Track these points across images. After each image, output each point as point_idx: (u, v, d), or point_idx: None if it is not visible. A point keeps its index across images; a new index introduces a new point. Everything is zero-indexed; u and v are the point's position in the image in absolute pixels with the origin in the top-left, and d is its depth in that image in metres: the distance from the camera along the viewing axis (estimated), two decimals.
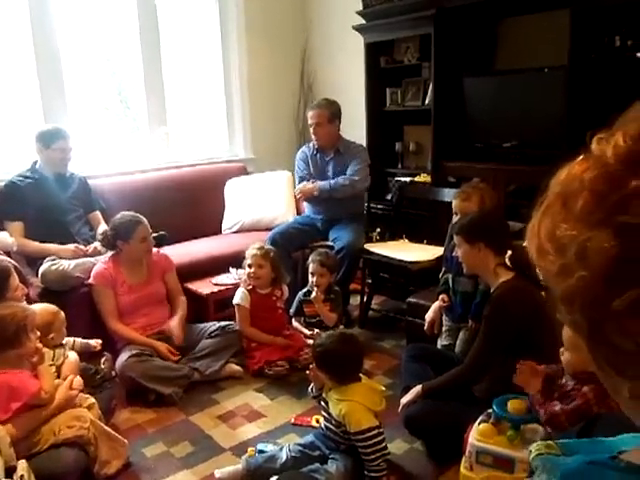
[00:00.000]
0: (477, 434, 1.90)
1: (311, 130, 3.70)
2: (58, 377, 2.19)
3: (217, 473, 2.12)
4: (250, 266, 3.05)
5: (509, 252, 2.19)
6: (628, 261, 0.46)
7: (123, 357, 2.71)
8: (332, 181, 3.61)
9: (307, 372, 2.25)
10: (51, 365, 2.21)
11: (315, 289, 3.07)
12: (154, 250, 3.07)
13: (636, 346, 0.47)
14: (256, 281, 3.06)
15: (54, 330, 2.31)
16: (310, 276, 3.11)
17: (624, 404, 0.54)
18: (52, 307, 2.39)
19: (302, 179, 3.77)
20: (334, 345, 2.10)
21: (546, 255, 0.52)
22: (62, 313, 2.39)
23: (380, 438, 2.04)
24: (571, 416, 1.75)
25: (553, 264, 0.51)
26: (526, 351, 2.02)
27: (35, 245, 3.08)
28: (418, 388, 2.22)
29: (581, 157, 0.52)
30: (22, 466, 1.78)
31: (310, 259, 3.14)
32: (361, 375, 2.18)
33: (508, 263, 2.18)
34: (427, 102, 3.82)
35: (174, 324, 2.93)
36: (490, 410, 1.93)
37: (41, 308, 2.33)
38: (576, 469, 0.54)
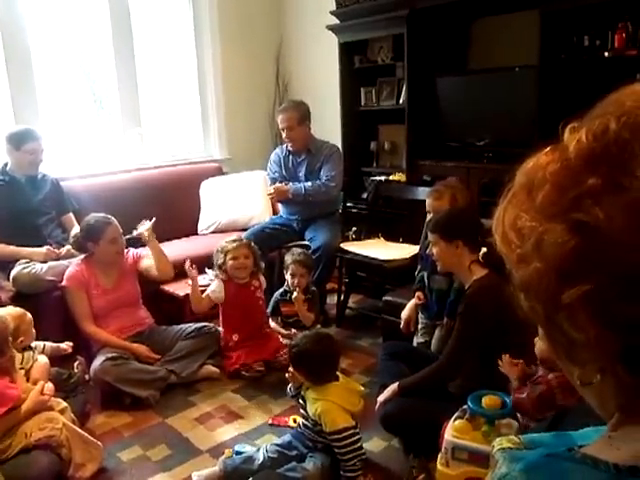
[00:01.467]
0: (453, 430, 1.91)
1: (283, 134, 3.68)
2: (27, 381, 2.16)
3: (194, 476, 2.10)
4: (236, 258, 3.01)
5: (483, 249, 2.21)
6: (578, 258, 0.47)
7: (98, 361, 2.68)
8: (307, 184, 3.59)
9: (287, 375, 2.24)
10: (20, 369, 2.18)
11: (296, 290, 3.07)
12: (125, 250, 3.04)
13: (584, 336, 0.49)
14: (244, 271, 3.02)
15: (22, 333, 2.28)
16: (290, 277, 3.10)
17: (577, 389, 0.56)
18: (18, 310, 2.35)
19: (274, 181, 3.75)
20: (309, 345, 2.11)
21: (508, 243, 0.53)
22: (29, 315, 2.36)
23: (355, 438, 2.05)
24: (535, 403, 1.81)
25: (513, 252, 0.53)
26: (500, 347, 2.05)
27: (6, 248, 3.02)
28: (394, 386, 2.23)
29: (548, 148, 0.53)
30: None
31: (288, 260, 3.12)
32: (340, 375, 2.19)
33: (482, 260, 2.20)
34: (401, 101, 3.85)
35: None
36: (465, 406, 1.94)
37: (6, 312, 2.29)
38: (534, 462, 0.55)
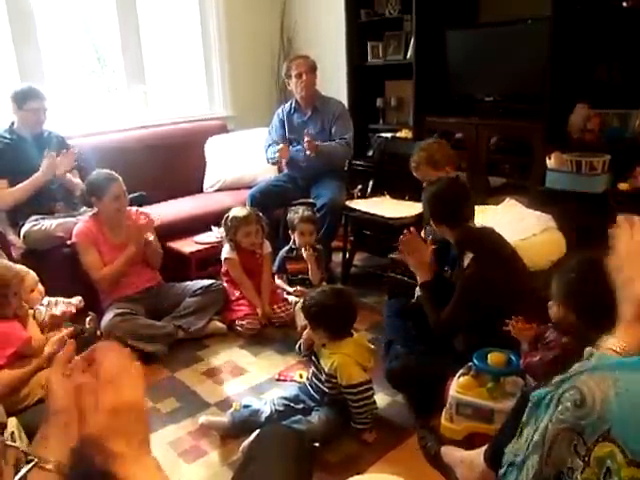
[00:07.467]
0: (457, 387, 1.94)
1: (296, 82, 3.55)
2: (42, 333, 2.21)
3: (202, 419, 2.16)
4: (248, 234, 3.03)
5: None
6: None
7: (108, 316, 2.72)
8: (333, 143, 3.53)
9: (302, 338, 2.26)
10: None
11: (307, 248, 3.08)
12: (133, 209, 3.04)
13: None
14: (256, 245, 3.07)
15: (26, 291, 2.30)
16: (299, 236, 3.11)
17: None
18: (22, 267, 2.36)
19: (275, 144, 3.68)
20: (328, 299, 2.13)
21: None
22: (31, 272, 2.37)
23: (370, 393, 2.10)
24: (549, 365, 1.81)
25: None
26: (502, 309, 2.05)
27: (18, 189, 3.02)
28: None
29: None
30: (12, 423, 1.79)
31: (296, 219, 3.11)
32: (353, 331, 2.21)
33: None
34: (409, 56, 3.77)
35: None
36: (470, 363, 1.97)
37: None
38: (624, 360, 0.58)
